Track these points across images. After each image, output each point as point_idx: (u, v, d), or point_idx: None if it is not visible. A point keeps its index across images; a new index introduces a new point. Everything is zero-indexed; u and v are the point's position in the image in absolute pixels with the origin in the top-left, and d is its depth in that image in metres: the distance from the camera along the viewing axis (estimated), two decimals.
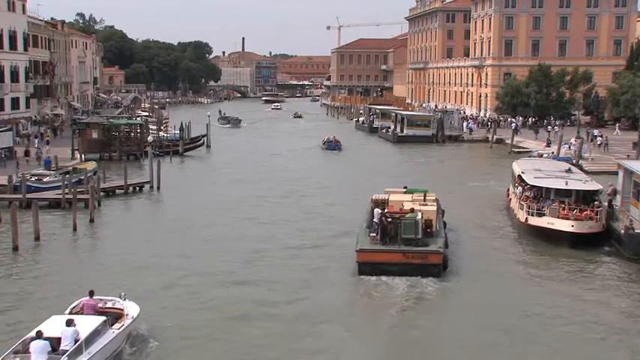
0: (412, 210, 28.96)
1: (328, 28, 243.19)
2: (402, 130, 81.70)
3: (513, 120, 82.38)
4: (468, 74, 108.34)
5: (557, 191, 34.18)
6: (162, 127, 79.78)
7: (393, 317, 23.29)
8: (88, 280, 26.50)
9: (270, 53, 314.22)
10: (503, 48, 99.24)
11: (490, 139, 75.48)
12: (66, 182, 40.56)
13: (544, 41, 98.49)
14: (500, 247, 32.81)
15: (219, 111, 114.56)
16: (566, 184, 34.17)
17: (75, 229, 34.49)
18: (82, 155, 57.54)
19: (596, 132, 69.84)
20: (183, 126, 72.55)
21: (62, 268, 28.97)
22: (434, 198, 32.96)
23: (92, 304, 20.24)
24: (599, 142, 64.35)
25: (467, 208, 40.35)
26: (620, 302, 25.01)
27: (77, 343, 17.73)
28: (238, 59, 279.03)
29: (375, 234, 28.36)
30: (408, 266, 26.78)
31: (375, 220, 28.71)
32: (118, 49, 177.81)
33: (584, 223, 31.74)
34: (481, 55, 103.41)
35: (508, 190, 42.01)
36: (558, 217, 32.14)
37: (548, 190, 34.66)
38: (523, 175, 37.00)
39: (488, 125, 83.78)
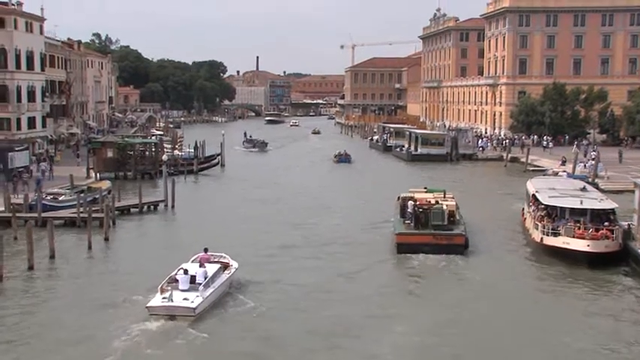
0: (437, 202, 35.73)
1: (342, 47, 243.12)
2: (416, 149, 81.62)
3: (544, 139, 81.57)
4: (482, 93, 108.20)
5: (572, 210, 33.92)
6: (176, 146, 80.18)
7: (430, 283, 29.88)
8: (103, 297, 26.74)
9: (285, 72, 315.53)
10: (517, 66, 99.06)
11: (505, 157, 75.23)
12: (81, 201, 40.77)
13: (558, 60, 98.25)
14: (515, 267, 32.58)
15: (245, 133, 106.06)
16: (581, 203, 33.90)
17: (90, 247, 34.64)
18: (97, 174, 57.83)
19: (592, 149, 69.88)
20: (198, 145, 72.83)
21: (77, 286, 29.08)
22: (452, 196, 38.96)
23: (207, 257, 27.99)
24: (592, 157, 63.90)
25: (481, 227, 40.10)
26: None
27: (206, 279, 25.73)
28: (252, 78, 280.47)
29: (409, 221, 35.10)
30: (437, 246, 33.46)
31: (409, 210, 35.34)
32: (133, 69, 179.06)
33: (601, 243, 31.46)
34: (495, 74, 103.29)
35: (523, 209, 41.75)
36: (574, 237, 31.88)
37: (562, 209, 34.40)
38: (537, 194, 36.78)
39: (503, 144, 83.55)
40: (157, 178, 59.21)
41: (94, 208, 39.48)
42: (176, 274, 26.22)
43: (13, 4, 71.84)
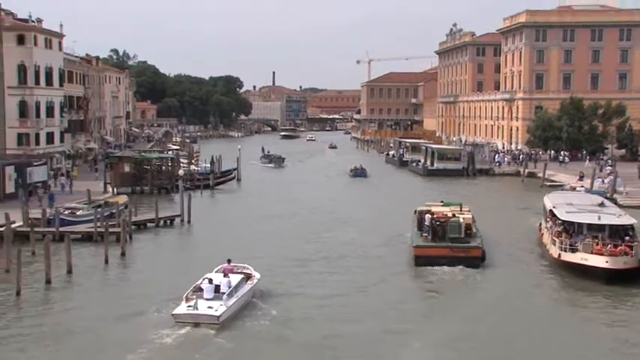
0: (454, 215, 36.18)
1: (358, 62, 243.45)
2: (432, 164, 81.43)
3: (560, 154, 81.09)
4: (498, 108, 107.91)
5: (590, 226, 33.66)
6: (193, 161, 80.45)
7: (447, 298, 29.89)
8: (120, 312, 26.96)
9: (301, 87, 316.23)
10: (534, 81, 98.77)
11: (522, 172, 74.86)
12: (98, 216, 40.96)
13: (576, 74, 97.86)
14: (533, 282, 32.34)
15: (262, 148, 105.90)
16: (599, 218, 33.62)
17: (106, 262, 34.78)
18: (114, 189, 58.12)
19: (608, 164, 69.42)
20: (214, 160, 73.05)
21: (94, 300, 29.22)
22: (468, 209, 39.14)
23: (230, 268, 28.88)
24: (608, 172, 63.46)
25: (498, 241, 39.92)
26: None
27: (230, 289, 26.56)
28: (269, 93, 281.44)
29: (426, 234, 35.58)
30: (454, 258, 33.79)
31: (426, 223, 35.78)
32: (150, 84, 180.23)
33: (619, 259, 31.13)
34: (512, 89, 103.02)
35: (540, 224, 41.46)
36: (592, 253, 31.58)
37: (580, 224, 34.13)
38: (554, 210, 36.53)
39: (519, 158, 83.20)
40: (174, 193, 59.38)
41: (110, 223, 39.64)
42: (201, 283, 27.13)
43: (33, 21, 72.63)
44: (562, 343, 24.28)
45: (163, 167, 66.40)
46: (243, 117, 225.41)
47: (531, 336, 25.04)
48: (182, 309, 25.51)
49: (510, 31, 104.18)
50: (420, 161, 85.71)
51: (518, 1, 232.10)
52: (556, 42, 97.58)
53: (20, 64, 69.03)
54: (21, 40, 69.23)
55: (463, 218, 35.98)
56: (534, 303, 29.13)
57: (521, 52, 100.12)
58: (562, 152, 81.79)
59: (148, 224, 45.14)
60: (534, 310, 28.14)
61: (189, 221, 46.50)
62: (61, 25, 77.95)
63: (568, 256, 32.52)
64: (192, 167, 74.34)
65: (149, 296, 28.94)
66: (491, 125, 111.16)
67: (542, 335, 25.12)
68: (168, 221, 46.39)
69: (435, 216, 36.30)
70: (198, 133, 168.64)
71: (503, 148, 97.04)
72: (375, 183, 74.51)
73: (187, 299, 26.04)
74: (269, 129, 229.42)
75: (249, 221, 48.69)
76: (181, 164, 71.52)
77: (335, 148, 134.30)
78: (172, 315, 25.37)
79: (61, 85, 76.86)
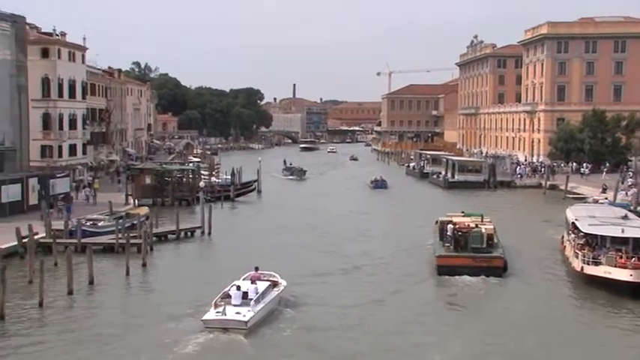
0: (477, 226, 36.47)
1: (378, 74, 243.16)
2: (453, 176, 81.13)
3: (583, 166, 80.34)
4: (520, 119, 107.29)
5: (613, 239, 33.30)
6: (213, 173, 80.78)
7: (470, 310, 29.75)
8: (145, 319, 27.38)
9: (321, 99, 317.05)
10: (555, 93, 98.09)
11: (543, 184, 74.31)
12: (119, 227, 41.20)
13: (598, 86, 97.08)
14: (555, 296, 32.04)
15: (284, 161, 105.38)
16: (623, 231, 33.25)
17: (128, 273, 34.95)
18: (136, 200, 58.46)
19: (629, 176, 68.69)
20: (235, 171, 73.26)
21: (118, 309, 29.43)
22: (489, 220, 39.42)
23: (257, 275, 29.57)
24: (630, 184, 62.69)
25: (519, 253, 39.68)
26: None
27: (257, 295, 27.20)
28: (289, 105, 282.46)
29: (448, 244, 35.91)
30: (476, 268, 34.02)
31: (448, 233, 36.14)
32: (171, 96, 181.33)
33: None
34: (533, 101, 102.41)
35: (562, 237, 41.10)
36: (615, 266, 31.22)
37: (603, 237, 33.77)
38: (577, 222, 36.20)
39: (541, 170, 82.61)
40: (194, 205, 59.60)
41: (132, 234, 39.91)
42: (229, 290, 27.84)
43: (57, 35, 73.58)
44: (585, 358, 23.96)
45: (184, 179, 66.78)
46: (263, 129, 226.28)
47: (554, 350, 24.77)
48: (211, 315, 26.17)
49: (532, 42, 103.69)
50: (440, 173, 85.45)
51: (539, 13, 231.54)
52: (578, 53, 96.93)
53: (44, 77, 69.93)
54: (45, 53, 70.17)
55: (485, 229, 36.27)
56: (557, 316, 28.81)
57: (542, 64, 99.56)
58: (584, 164, 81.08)
59: (169, 236, 45.31)
60: (557, 323, 27.81)
61: (209, 233, 46.62)
62: (84, 39, 79.06)
63: (591, 269, 32.17)
64: (213, 179, 74.58)
65: (173, 305, 29.29)
66: (513, 137, 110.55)
67: (565, 350, 24.85)
68: (189, 233, 46.55)
69: (457, 226, 36.53)
70: (219, 145, 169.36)
71: (525, 160, 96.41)
72: (395, 194, 74.47)
73: (216, 305, 26.66)
74: (289, 141, 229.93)
75: (269, 232, 48.76)
76: (202, 176, 71.74)
77: (356, 160, 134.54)
78: (202, 321, 26.05)
79: (83, 97, 77.67)
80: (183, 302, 29.55)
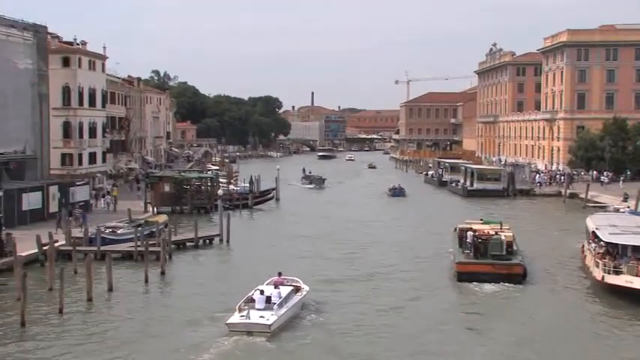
0: (496, 233, 36.52)
1: (396, 82, 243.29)
2: (471, 184, 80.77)
3: (604, 174, 79.64)
4: (539, 127, 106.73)
5: (635, 248, 32.97)
6: (232, 181, 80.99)
7: (490, 319, 29.57)
8: (157, 330, 27.35)
9: (339, 107, 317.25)
10: (576, 101, 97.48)
11: (563, 193, 73.77)
12: (138, 235, 41.39)
13: (619, 94, 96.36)
14: (576, 305, 31.75)
15: (303, 169, 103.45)
16: None
17: (146, 280, 35.06)
18: (155, 208, 58.71)
19: None
20: (253, 179, 73.47)
21: (134, 318, 29.47)
22: (508, 227, 39.29)
23: (281, 280, 30.13)
24: None
25: (539, 261, 39.46)
26: None
27: (280, 300, 27.76)
28: (307, 113, 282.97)
29: (468, 251, 36.10)
30: (496, 275, 34.17)
31: (468, 240, 36.33)
32: (190, 105, 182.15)
33: None
34: (553, 109, 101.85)
35: (583, 246, 40.76)
36: (637, 275, 30.95)
37: (624, 246, 33.46)
38: (597, 231, 35.90)
39: (560, 179, 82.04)
40: (213, 213, 59.72)
41: (150, 242, 40.08)
42: (253, 294, 28.34)
43: (77, 44, 74.28)
44: None
45: (203, 187, 67.02)
46: (282, 137, 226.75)
47: None
48: (235, 318, 26.75)
49: (551, 50, 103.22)
50: (459, 181, 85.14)
51: (559, 21, 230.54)
52: (598, 61, 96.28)
53: (65, 85, 70.52)
54: (66, 62, 70.81)
55: (504, 236, 36.36)
56: (578, 326, 28.55)
57: (562, 72, 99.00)
58: (605, 173, 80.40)
59: (188, 243, 45.43)
60: (578, 333, 27.59)
61: (228, 241, 46.67)
62: (104, 47, 79.62)
63: (612, 279, 31.88)
64: (232, 187, 74.77)
65: (192, 311, 29.64)
66: (532, 145, 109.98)
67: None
68: (208, 240, 46.65)
69: (476, 233, 36.71)
70: (237, 153, 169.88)
71: (545, 168, 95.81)
72: (413, 202, 74.35)
73: (240, 309, 27.22)
74: (308, 149, 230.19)
75: (287, 240, 48.82)
76: (220, 184, 71.98)
77: (374, 167, 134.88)
78: (226, 324, 26.62)
79: (103, 106, 78.23)
80: (202, 309, 29.82)
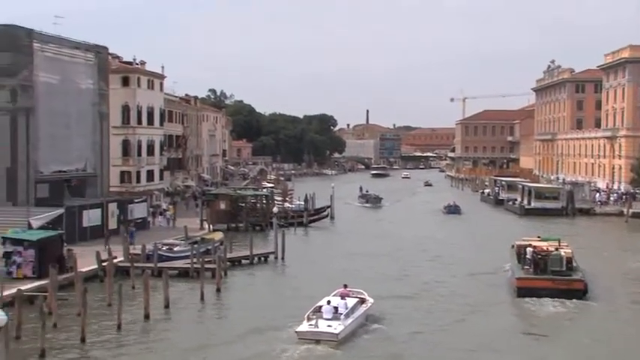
0: (556, 249, 36.53)
1: (452, 100, 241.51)
2: (529, 203, 79.45)
3: None
4: (599, 145, 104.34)
5: None
6: (287, 198, 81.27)
7: (551, 328, 30.09)
8: (217, 348, 27.61)
9: (394, 125, 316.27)
10: (638, 118, 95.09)
11: (625, 212, 71.85)
12: (194, 252, 41.74)
13: None
14: (638, 323, 30.75)
15: (360, 188, 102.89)
16: None
17: (202, 298, 35.26)
18: (211, 225, 59.22)
19: None
20: (308, 197, 73.54)
21: (192, 334, 29.67)
22: (567, 244, 39.19)
23: (346, 292, 31.33)
24: None
25: (600, 280, 38.60)
26: None
27: (347, 310, 28.95)
28: (362, 131, 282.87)
29: (527, 266, 36.32)
30: (556, 290, 34.19)
31: (527, 256, 36.60)
32: (246, 123, 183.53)
33: None
34: (614, 126, 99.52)
35: None
36: None
37: None
38: None
39: (623, 197, 79.96)
40: (268, 230, 59.96)
41: (206, 259, 40.35)
42: (320, 304, 29.57)
43: (137, 64, 75.83)
44: None
45: (258, 204, 67.37)
46: (336, 155, 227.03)
47: None
48: (304, 327, 27.91)
49: (612, 67, 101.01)
50: (516, 200, 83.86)
51: (618, 37, 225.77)
52: None
53: (124, 104, 71.81)
54: (125, 81, 72.19)
55: (564, 252, 36.51)
56: None
57: (624, 89, 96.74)
58: None
59: (243, 261, 45.64)
60: None
61: (282, 258, 46.73)
62: (162, 67, 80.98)
63: None
64: (287, 205, 74.96)
65: (252, 323, 30.33)
66: (592, 163, 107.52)
67: None
68: (263, 258, 46.79)
69: (536, 249, 36.88)
70: (293, 171, 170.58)
71: (607, 187, 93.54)
72: (469, 220, 73.74)
73: (308, 319, 28.39)
74: (362, 167, 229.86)
75: (342, 258, 48.60)
76: (275, 202, 72.27)
77: (430, 185, 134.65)
78: (296, 332, 27.80)
79: (161, 124, 79.45)
80: (261, 323, 30.41)
